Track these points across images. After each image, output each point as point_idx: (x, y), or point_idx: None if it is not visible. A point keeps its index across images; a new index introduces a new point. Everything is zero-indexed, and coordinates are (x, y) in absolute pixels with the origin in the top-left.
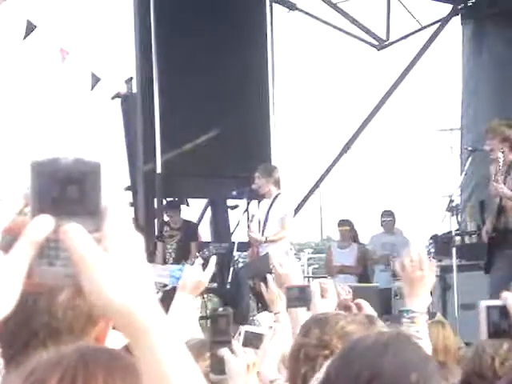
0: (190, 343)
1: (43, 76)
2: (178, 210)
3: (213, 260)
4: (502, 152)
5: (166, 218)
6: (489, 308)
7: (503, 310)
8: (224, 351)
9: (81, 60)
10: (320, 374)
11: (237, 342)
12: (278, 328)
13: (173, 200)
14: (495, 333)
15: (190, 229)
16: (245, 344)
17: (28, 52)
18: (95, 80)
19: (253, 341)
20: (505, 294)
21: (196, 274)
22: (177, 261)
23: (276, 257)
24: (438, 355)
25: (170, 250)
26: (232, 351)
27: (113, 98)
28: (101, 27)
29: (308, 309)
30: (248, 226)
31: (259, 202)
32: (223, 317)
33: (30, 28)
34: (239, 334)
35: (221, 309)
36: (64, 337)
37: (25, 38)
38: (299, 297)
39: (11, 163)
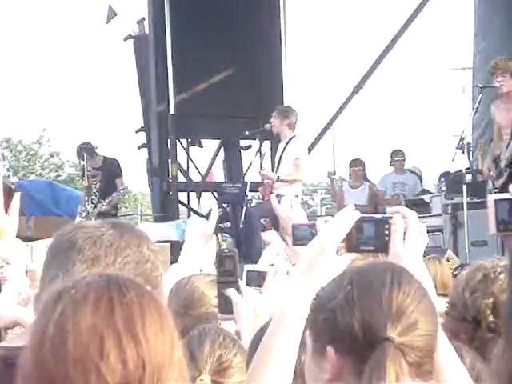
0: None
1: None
2: (92, 153)
3: (215, 209)
4: None
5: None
6: (497, 202)
7: (511, 202)
8: (230, 291)
9: None
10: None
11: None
12: (280, 265)
13: (86, 144)
14: (504, 227)
15: (110, 166)
16: (248, 283)
17: None
18: (112, 13)
19: (256, 279)
20: None
21: (200, 225)
22: (102, 198)
23: (279, 201)
24: (437, 289)
25: (95, 190)
26: (239, 291)
27: (125, 39)
28: None
29: None
30: (260, 165)
31: (272, 142)
32: (229, 257)
33: None
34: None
35: (226, 249)
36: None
37: None
38: (305, 235)
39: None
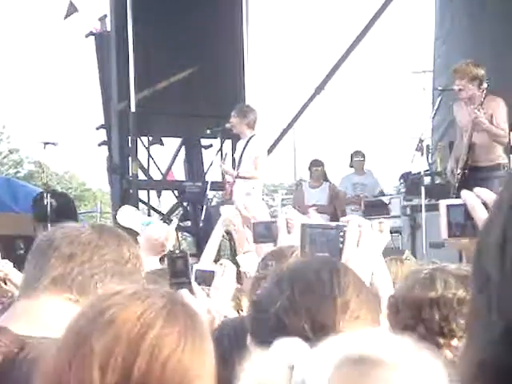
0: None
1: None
2: None
3: (173, 225)
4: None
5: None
6: (449, 207)
7: (463, 208)
8: (183, 292)
9: None
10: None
11: (196, 284)
12: (229, 265)
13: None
14: (455, 232)
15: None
16: (196, 282)
17: None
18: (73, 9)
19: (204, 279)
20: (464, 193)
21: (158, 234)
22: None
23: (240, 200)
24: None
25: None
26: (191, 292)
27: (87, 36)
28: None
29: (275, 244)
30: (221, 162)
31: (233, 141)
32: (180, 258)
33: None
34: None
35: (177, 251)
36: None
37: None
38: (265, 233)
39: None
